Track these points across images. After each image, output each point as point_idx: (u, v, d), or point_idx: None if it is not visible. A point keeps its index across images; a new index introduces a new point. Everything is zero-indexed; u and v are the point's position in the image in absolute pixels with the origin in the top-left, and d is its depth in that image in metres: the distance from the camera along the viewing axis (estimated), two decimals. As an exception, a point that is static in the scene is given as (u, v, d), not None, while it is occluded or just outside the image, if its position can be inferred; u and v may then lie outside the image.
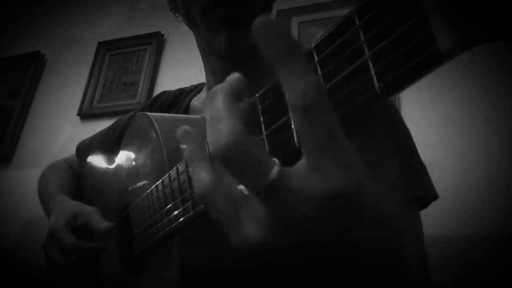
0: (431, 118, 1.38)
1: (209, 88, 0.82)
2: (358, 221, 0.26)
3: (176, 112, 0.85)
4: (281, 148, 0.31)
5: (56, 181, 0.94)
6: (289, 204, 0.25)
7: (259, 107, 0.33)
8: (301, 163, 0.26)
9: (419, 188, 0.63)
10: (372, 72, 0.24)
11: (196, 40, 0.78)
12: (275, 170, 0.25)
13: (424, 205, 0.65)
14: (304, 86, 0.24)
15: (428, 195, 0.64)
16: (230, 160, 0.25)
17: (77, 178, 0.98)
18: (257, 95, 0.33)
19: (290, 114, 0.29)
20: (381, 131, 0.64)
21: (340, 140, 0.25)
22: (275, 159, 0.25)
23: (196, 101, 0.85)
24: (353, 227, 0.27)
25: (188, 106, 0.85)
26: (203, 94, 0.86)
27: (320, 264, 0.29)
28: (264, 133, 0.32)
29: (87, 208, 0.75)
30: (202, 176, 0.29)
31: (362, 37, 0.25)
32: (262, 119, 0.33)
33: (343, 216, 0.26)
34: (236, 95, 0.27)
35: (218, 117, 0.26)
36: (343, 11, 1.69)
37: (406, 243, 0.29)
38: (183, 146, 0.31)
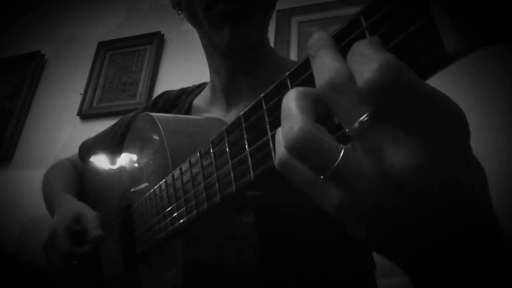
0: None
1: (213, 86, 0.82)
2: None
3: (178, 112, 0.85)
4: None
5: (60, 179, 0.94)
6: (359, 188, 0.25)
7: (264, 107, 0.33)
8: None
9: None
10: None
11: (200, 37, 0.78)
12: (341, 155, 0.25)
13: None
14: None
15: None
16: (301, 148, 0.25)
17: (80, 177, 0.98)
18: (262, 95, 0.33)
19: None
20: None
21: None
22: (342, 145, 0.26)
23: (198, 101, 0.85)
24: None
25: (190, 105, 0.85)
26: (205, 93, 0.86)
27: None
28: (269, 134, 0.33)
29: (89, 212, 0.75)
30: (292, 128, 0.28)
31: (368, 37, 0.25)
32: (267, 119, 0.33)
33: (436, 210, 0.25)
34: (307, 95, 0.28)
35: (289, 109, 0.27)
36: (344, 11, 1.69)
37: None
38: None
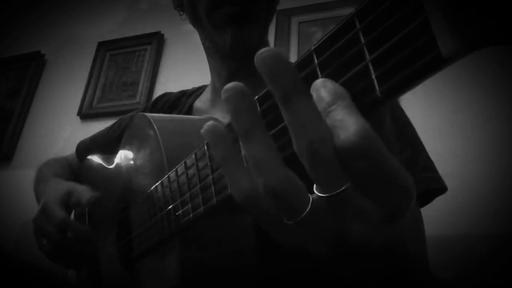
0: (429, 118, 1.38)
1: (214, 88, 0.82)
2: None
3: (178, 114, 0.84)
4: (280, 151, 0.31)
5: (51, 171, 0.94)
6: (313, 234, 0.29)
7: (259, 109, 0.33)
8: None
9: (428, 181, 0.64)
10: (373, 76, 0.24)
11: (201, 39, 0.78)
12: (309, 206, 0.28)
13: (431, 199, 0.66)
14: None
15: (439, 188, 0.65)
16: (277, 195, 0.28)
17: (75, 176, 0.98)
18: (256, 97, 0.33)
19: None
20: (390, 126, 0.65)
21: None
22: (310, 196, 0.28)
23: (198, 103, 0.85)
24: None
25: (191, 107, 0.85)
26: (205, 95, 0.86)
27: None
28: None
29: (81, 186, 0.75)
30: (242, 182, 0.31)
31: (362, 40, 0.25)
32: (262, 121, 0.33)
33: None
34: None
35: (262, 160, 0.29)
36: (343, 11, 1.69)
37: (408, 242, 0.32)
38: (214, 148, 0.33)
